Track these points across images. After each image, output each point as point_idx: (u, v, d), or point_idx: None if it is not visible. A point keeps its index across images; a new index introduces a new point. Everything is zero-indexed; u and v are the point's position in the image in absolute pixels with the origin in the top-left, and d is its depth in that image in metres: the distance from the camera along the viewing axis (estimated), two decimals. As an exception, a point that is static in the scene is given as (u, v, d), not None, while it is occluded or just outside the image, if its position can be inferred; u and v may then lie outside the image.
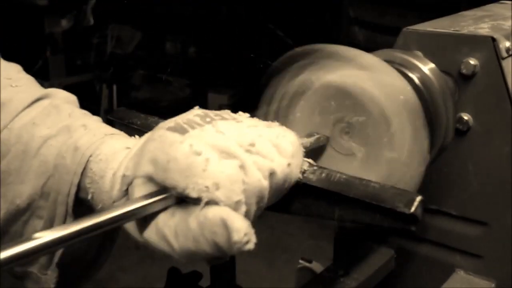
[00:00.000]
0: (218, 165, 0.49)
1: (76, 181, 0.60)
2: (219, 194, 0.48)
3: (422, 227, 0.83)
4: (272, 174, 0.52)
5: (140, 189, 0.52)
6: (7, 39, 3.39)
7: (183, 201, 0.50)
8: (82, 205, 0.61)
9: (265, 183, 0.52)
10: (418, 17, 0.94)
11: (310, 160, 0.60)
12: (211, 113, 0.55)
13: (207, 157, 0.49)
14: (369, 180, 0.57)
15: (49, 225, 0.62)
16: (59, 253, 0.62)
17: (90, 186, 0.59)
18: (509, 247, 0.77)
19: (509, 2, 1.03)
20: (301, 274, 1.13)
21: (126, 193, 0.54)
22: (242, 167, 0.50)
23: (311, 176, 0.59)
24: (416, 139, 0.65)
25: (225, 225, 0.47)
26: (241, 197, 0.49)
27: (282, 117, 0.70)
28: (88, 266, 0.67)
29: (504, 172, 0.76)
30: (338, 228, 0.91)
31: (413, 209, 0.53)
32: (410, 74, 0.72)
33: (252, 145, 0.52)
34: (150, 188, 0.51)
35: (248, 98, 0.78)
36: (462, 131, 0.78)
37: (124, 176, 0.54)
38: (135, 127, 0.73)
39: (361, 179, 0.57)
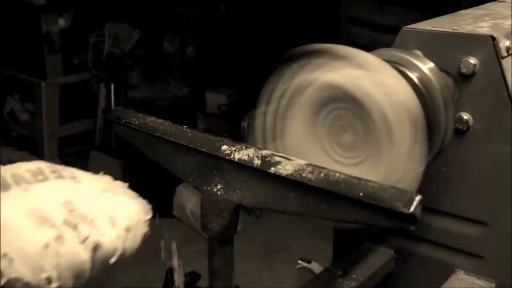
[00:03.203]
0: (30, 235, 0.45)
1: None
2: (23, 270, 0.44)
3: (422, 227, 0.83)
4: (97, 247, 0.48)
5: None
6: (4, 38, 3.38)
7: None
8: None
9: (85, 256, 0.48)
10: (418, 16, 0.94)
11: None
12: (48, 169, 0.51)
13: (20, 224, 0.45)
14: (368, 180, 0.57)
15: None
16: None
17: None
18: (509, 247, 0.77)
19: (509, 0, 1.02)
20: (300, 274, 1.13)
21: None
22: (59, 238, 0.46)
23: (309, 176, 0.58)
24: (415, 138, 0.64)
25: None
26: (50, 273, 0.45)
27: (281, 116, 0.70)
28: None
29: (504, 172, 0.76)
30: (337, 228, 0.91)
31: (412, 208, 0.52)
32: (409, 74, 0.72)
33: (82, 214, 0.48)
34: None
35: (246, 98, 0.78)
36: (461, 131, 0.78)
37: None
38: (133, 126, 0.72)
39: (359, 179, 0.57)
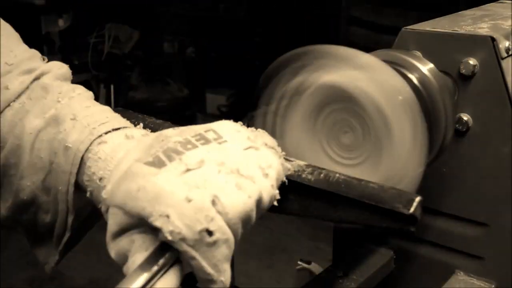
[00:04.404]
0: (186, 193, 0.48)
1: (72, 180, 0.60)
2: (179, 224, 0.47)
3: (422, 228, 0.83)
4: (260, 200, 0.52)
5: (113, 218, 0.51)
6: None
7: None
8: (83, 199, 0.61)
9: (251, 205, 0.51)
10: (417, 16, 0.94)
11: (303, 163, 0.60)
12: (193, 137, 0.54)
13: (176, 187, 0.49)
14: (368, 181, 0.57)
15: (55, 219, 0.63)
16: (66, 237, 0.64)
17: (88, 185, 0.59)
18: (509, 248, 0.77)
19: (509, 1, 1.02)
20: (300, 275, 1.13)
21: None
22: (216, 196, 0.49)
23: (309, 176, 0.58)
24: (415, 139, 0.64)
25: None
26: (205, 225, 0.48)
27: (281, 117, 0.70)
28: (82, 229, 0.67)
29: (503, 173, 0.76)
30: (337, 229, 0.91)
31: (412, 209, 0.53)
32: (409, 74, 0.72)
33: (236, 170, 0.51)
34: (123, 220, 0.51)
35: (246, 98, 0.78)
36: (461, 132, 0.78)
37: (104, 199, 0.53)
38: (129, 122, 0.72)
39: (360, 180, 0.57)
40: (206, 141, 0.54)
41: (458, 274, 0.81)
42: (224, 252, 0.49)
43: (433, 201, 0.81)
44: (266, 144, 0.57)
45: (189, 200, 0.48)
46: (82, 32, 3.74)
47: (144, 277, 0.48)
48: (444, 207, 0.82)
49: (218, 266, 0.50)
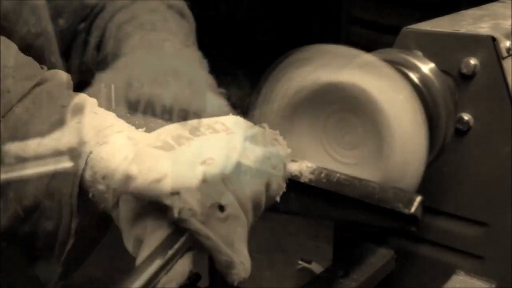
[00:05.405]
0: (195, 171, 0.48)
1: (77, 182, 0.59)
2: (189, 199, 0.47)
3: (422, 227, 0.83)
4: (269, 184, 0.53)
5: (126, 204, 0.51)
6: (5, 38, 3.37)
7: None
8: (87, 203, 0.60)
9: (261, 188, 0.52)
10: (418, 16, 0.94)
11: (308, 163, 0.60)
12: (202, 126, 0.55)
13: (185, 166, 0.49)
14: (369, 180, 0.57)
15: (58, 226, 0.62)
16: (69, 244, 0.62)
17: (91, 185, 0.58)
18: (510, 248, 0.77)
19: (509, 1, 1.02)
20: (300, 274, 1.13)
21: (117, 205, 0.53)
22: (225, 176, 0.49)
23: (310, 176, 0.58)
24: (416, 139, 0.64)
25: None
26: (216, 200, 0.48)
27: (282, 117, 0.70)
28: (88, 244, 0.66)
29: (504, 172, 0.76)
30: (337, 229, 0.91)
31: (413, 209, 0.53)
32: (410, 74, 0.72)
33: (246, 156, 0.52)
34: (135, 205, 0.51)
35: (247, 98, 0.78)
36: (462, 131, 0.78)
37: (113, 189, 0.53)
38: (133, 127, 0.72)
39: (360, 179, 0.57)
40: (215, 130, 0.54)
41: (459, 273, 0.81)
42: (238, 230, 0.49)
43: (433, 200, 0.81)
44: (276, 140, 0.58)
45: (199, 177, 0.48)
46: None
47: (156, 264, 0.47)
48: (444, 206, 0.82)
49: (234, 245, 0.49)
